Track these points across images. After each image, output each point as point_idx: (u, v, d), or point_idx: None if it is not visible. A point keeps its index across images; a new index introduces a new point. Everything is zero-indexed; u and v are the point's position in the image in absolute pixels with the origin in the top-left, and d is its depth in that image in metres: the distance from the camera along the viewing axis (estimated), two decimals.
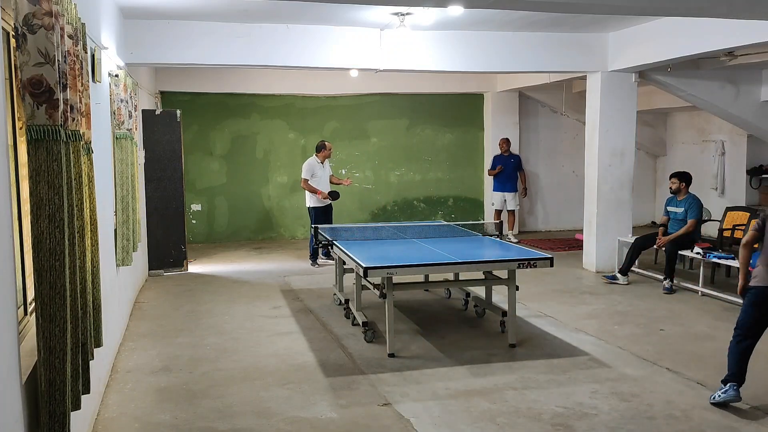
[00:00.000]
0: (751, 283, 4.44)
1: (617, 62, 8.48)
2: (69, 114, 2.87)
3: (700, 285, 7.46)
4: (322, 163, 9.24)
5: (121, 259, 5.58)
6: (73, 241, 2.82)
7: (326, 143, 9.38)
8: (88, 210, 3.29)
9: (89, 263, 3.23)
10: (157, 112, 8.91)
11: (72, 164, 2.85)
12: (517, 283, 5.68)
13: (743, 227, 8.18)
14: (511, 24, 7.83)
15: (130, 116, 6.34)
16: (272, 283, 8.22)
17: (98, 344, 3.53)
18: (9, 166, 2.60)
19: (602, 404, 4.40)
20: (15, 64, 3.06)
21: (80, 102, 3.26)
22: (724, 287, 7.57)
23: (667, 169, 11.16)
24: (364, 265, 5.25)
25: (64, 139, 2.68)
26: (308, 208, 9.32)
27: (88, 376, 3.19)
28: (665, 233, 7.98)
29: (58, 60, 2.63)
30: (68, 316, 2.65)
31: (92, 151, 3.55)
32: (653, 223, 8.80)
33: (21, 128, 3.20)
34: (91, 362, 3.28)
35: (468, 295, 6.83)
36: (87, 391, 3.14)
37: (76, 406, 2.86)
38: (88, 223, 3.28)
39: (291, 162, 11.74)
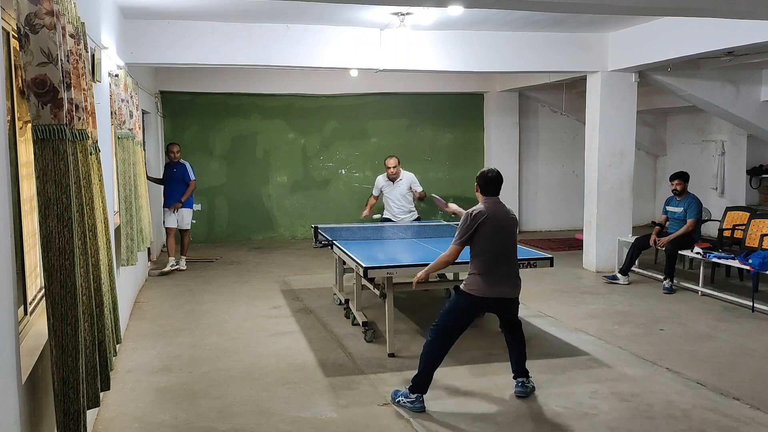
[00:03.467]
0: None
1: (617, 62, 8.48)
2: (74, 113, 2.87)
3: (700, 285, 7.46)
4: (391, 179, 7.82)
5: (126, 259, 5.58)
6: (84, 240, 2.82)
7: (388, 158, 7.85)
8: (100, 208, 3.29)
9: (105, 261, 3.24)
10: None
11: (79, 163, 2.86)
12: None
13: (743, 227, 8.19)
14: (511, 24, 7.83)
15: (131, 116, 6.34)
16: (272, 283, 8.22)
17: (119, 340, 3.55)
18: (8, 166, 2.60)
19: (602, 404, 4.40)
20: (17, 64, 3.06)
21: (85, 101, 3.27)
22: (724, 287, 7.58)
23: (667, 169, 11.16)
24: (364, 265, 5.26)
25: (70, 138, 2.69)
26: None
27: (108, 372, 3.20)
28: (661, 233, 7.98)
29: (61, 59, 2.63)
30: (80, 315, 2.65)
31: (99, 150, 3.56)
32: (653, 222, 8.80)
33: (21, 128, 3.20)
34: (113, 358, 3.30)
35: None
36: (107, 387, 3.15)
37: (95, 403, 2.88)
38: (102, 221, 3.28)
39: (291, 162, 11.76)
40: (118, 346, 3.82)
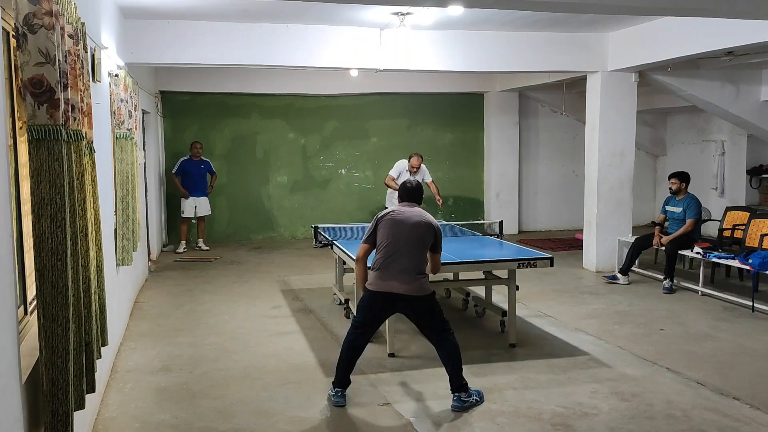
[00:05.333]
0: None
1: (617, 62, 8.48)
2: (70, 114, 2.87)
3: (700, 285, 7.46)
4: (410, 172, 8.54)
5: (121, 259, 5.58)
6: (75, 240, 2.82)
7: (413, 156, 8.63)
8: (91, 210, 3.29)
9: (93, 263, 3.23)
10: None
11: (74, 164, 2.85)
12: (517, 283, 5.69)
13: (743, 227, 8.19)
14: (511, 24, 7.83)
15: (130, 116, 6.34)
16: (272, 283, 8.22)
17: (104, 343, 3.54)
18: (9, 166, 2.60)
19: (602, 404, 4.40)
20: (16, 64, 3.06)
21: (82, 101, 3.26)
22: (724, 287, 7.58)
23: (667, 169, 11.16)
24: None
25: (66, 139, 2.68)
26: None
27: (93, 375, 3.19)
28: (661, 232, 7.99)
29: (59, 60, 2.62)
30: (71, 316, 2.65)
31: (94, 151, 3.55)
32: (653, 223, 8.80)
33: (21, 128, 3.20)
34: (98, 361, 3.28)
35: (468, 294, 6.83)
36: (92, 390, 3.14)
37: (80, 405, 2.87)
38: (92, 222, 3.28)
39: (291, 162, 11.76)
40: (103, 348, 3.81)
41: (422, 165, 8.72)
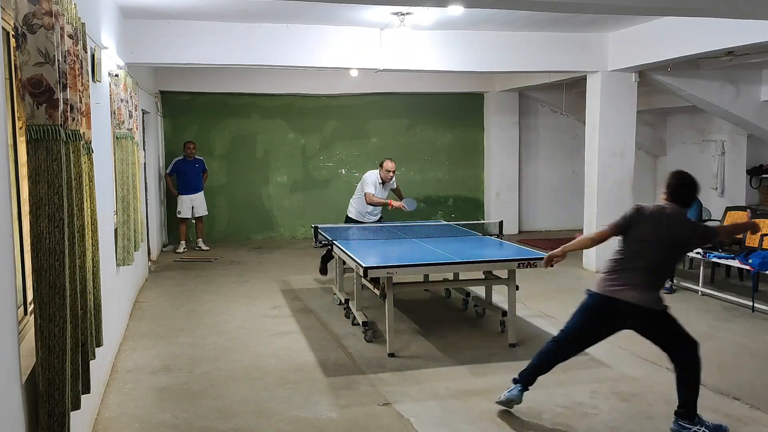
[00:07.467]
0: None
1: (617, 62, 8.48)
2: (69, 114, 2.86)
3: (700, 285, 7.45)
4: (384, 181, 7.67)
5: (122, 259, 5.58)
6: (73, 240, 2.81)
7: (387, 161, 7.67)
8: (88, 210, 3.29)
9: (90, 263, 3.23)
10: None
11: (72, 164, 2.85)
12: (517, 283, 5.69)
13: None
14: (511, 24, 7.83)
15: (131, 116, 6.34)
16: (272, 283, 8.22)
17: (99, 344, 3.53)
18: (9, 166, 2.60)
19: (602, 404, 4.40)
20: (15, 64, 3.06)
21: (80, 102, 3.26)
22: (724, 287, 7.57)
23: (667, 169, 11.11)
24: (364, 265, 5.25)
25: (64, 139, 2.68)
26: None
27: (89, 375, 3.18)
28: None
29: (58, 60, 2.62)
30: (68, 316, 2.64)
31: (92, 151, 3.55)
32: None
33: (21, 128, 3.20)
34: (91, 362, 3.27)
35: (468, 294, 6.83)
36: (87, 390, 3.14)
37: (76, 405, 2.86)
38: (89, 223, 3.28)
39: (291, 162, 11.76)
40: (103, 348, 3.80)
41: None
